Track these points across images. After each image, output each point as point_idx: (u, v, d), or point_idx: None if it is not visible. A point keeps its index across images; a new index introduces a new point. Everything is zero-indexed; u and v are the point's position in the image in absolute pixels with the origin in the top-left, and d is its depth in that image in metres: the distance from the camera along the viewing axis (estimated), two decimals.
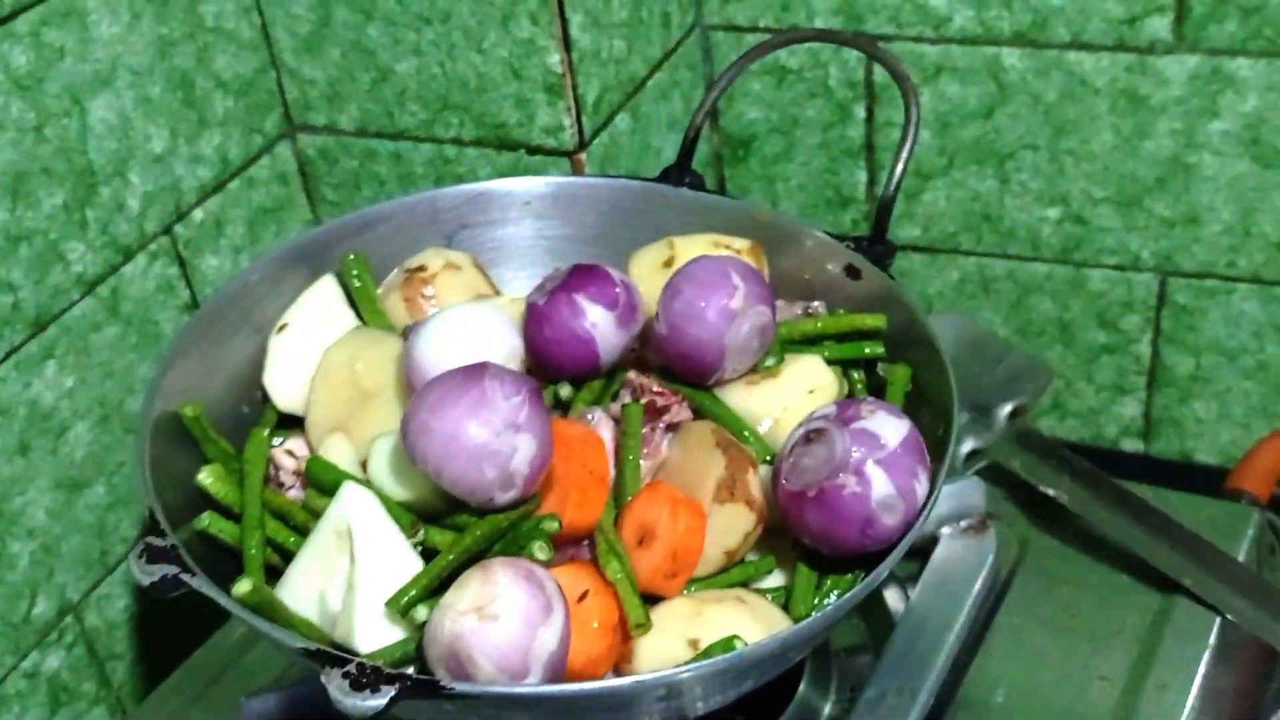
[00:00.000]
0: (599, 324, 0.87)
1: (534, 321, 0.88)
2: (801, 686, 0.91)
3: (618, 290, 0.88)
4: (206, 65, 1.10)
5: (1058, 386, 1.36)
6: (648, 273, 0.95)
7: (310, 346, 0.91)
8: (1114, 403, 1.35)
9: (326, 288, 0.94)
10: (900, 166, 0.91)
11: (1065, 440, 1.38)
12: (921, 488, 0.79)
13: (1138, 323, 1.30)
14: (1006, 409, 1.00)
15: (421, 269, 0.96)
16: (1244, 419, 1.31)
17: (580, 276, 0.88)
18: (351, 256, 0.95)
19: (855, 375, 0.92)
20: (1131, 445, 1.36)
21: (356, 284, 0.95)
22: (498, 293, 0.98)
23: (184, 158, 1.09)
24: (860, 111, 1.28)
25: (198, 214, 1.11)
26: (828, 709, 0.91)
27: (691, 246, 0.95)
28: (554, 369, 0.88)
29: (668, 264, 0.94)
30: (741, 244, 0.96)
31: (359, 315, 0.94)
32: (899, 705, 0.86)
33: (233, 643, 0.99)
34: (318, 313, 0.93)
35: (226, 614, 0.75)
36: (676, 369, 0.88)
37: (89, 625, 1.07)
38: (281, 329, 0.92)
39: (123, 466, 1.07)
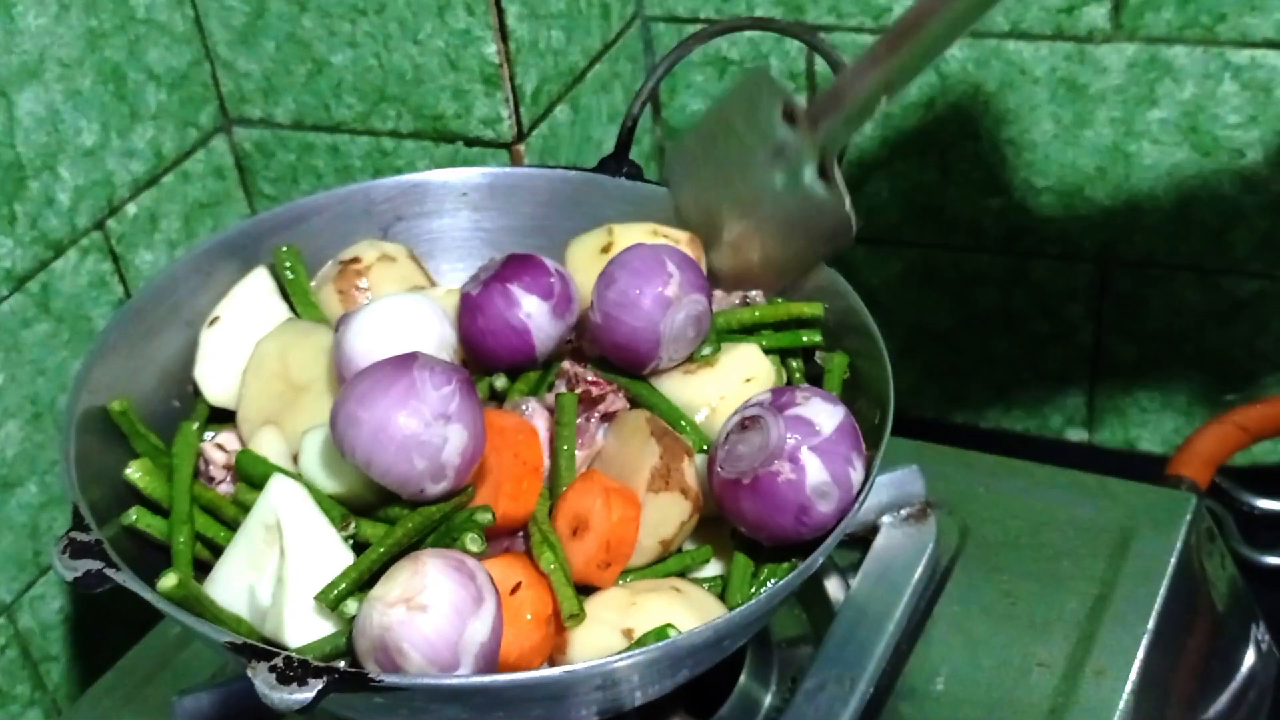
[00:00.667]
0: (534, 314, 0.86)
1: (468, 312, 0.87)
2: (742, 678, 0.90)
3: (552, 280, 0.87)
4: (138, 58, 1.08)
5: (1002, 377, 1.36)
6: (586, 260, 0.94)
7: (242, 340, 0.90)
8: (1058, 392, 1.35)
9: (259, 280, 0.93)
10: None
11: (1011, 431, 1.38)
12: (857, 474, 0.78)
13: (1080, 312, 1.30)
14: None
15: (356, 261, 0.95)
16: (1186, 407, 1.31)
17: (515, 266, 0.87)
18: (284, 248, 0.94)
19: (794, 364, 0.92)
20: (1076, 435, 1.37)
21: (289, 276, 0.94)
22: (434, 285, 0.97)
23: (116, 151, 1.07)
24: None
25: (131, 208, 1.10)
26: (768, 700, 0.90)
27: (631, 235, 0.94)
28: (489, 360, 0.88)
29: (606, 250, 0.93)
30: (680, 234, 0.95)
31: (292, 308, 0.93)
32: (839, 694, 0.86)
33: (167, 642, 0.98)
34: (250, 306, 0.92)
35: (161, 613, 0.74)
36: (612, 358, 0.87)
37: (22, 627, 1.06)
38: (213, 322, 0.91)
39: (56, 465, 1.06)
